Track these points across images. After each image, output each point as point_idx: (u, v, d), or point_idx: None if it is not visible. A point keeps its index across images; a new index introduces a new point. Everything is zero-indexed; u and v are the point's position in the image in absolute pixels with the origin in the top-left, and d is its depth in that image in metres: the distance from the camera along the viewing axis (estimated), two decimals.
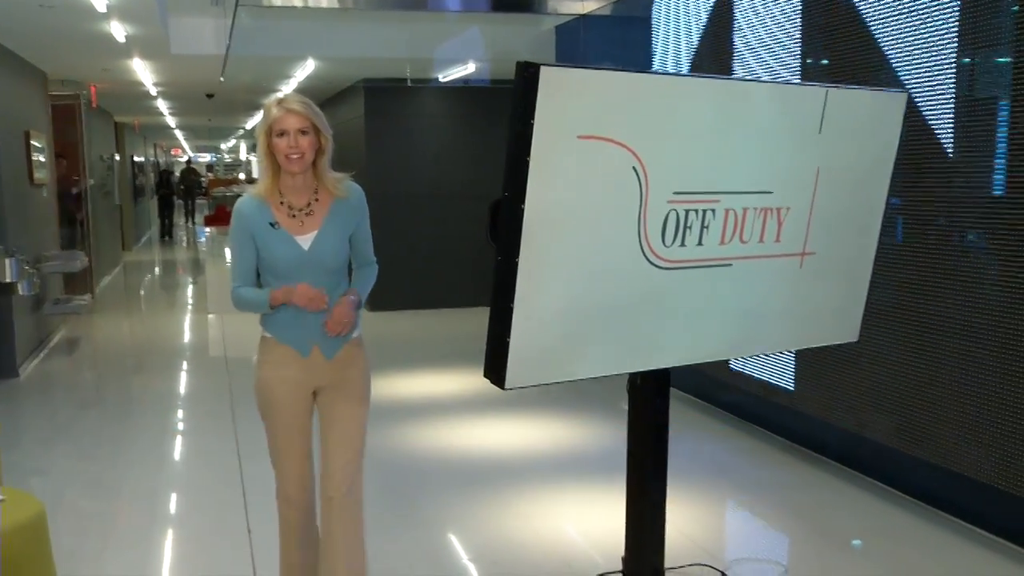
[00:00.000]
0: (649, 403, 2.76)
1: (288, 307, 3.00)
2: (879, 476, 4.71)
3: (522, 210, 2.20)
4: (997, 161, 3.93)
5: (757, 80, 2.69)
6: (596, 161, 2.29)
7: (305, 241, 3.00)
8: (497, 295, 2.29)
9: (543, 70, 2.15)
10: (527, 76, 2.16)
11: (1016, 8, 3.76)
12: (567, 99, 2.20)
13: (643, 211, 2.40)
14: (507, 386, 2.31)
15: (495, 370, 2.33)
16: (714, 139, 2.49)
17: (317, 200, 3.04)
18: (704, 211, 2.51)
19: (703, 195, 2.50)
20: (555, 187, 2.24)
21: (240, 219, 3.03)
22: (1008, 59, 3.81)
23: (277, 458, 3.13)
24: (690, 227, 2.50)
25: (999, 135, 3.94)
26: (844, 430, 4.86)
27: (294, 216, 3.01)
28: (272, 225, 2.99)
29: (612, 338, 2.47)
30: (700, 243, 2.53)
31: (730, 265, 2.61)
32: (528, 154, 2.18)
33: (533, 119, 2.16)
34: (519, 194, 2.19)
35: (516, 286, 2.24)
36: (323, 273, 3.01)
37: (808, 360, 5.03)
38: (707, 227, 2.53)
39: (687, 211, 2.48)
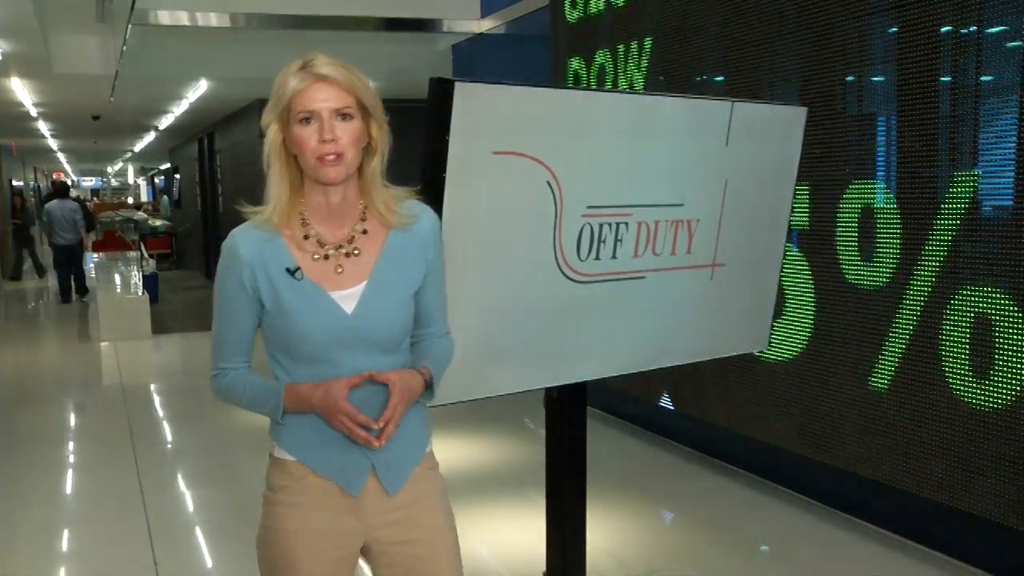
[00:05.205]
0: (566, 417, 2.76)
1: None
2: (784, 481, 4.83)
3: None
4: (882, 174, 4.10)
5: (666, 95, 2.74)
6: (512, 177, 2.29)
7: (348, 300, 1.89)
8: None
9: (458, 86, 2.14)
10: (441, 92, 2.14)
11: (895, 29, 3.93)
12: (482, 115, 2.19)
13: (558, 226, 2.41)
14: (429, 404, 2.28)
15: None
16: (626, 153, 2.52)
17: (365, 232, 1.93)
18: (618, 224, 2.53)
19: (616, 208, 2.52)
20: (472, 203, 2.23)
21: (233, 262, 1.87)
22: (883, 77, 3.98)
23: None
24: (604, 241, 2.52)
25: (886, 150, 4.10)
26: (748, 438, 4.96)
27: (327, 258, 1.89)
28: (291, 272, 1.87)
29: (532, 353, 2.47)
30: (614, 256, 2.55)
31: (643, 278, 2.64)
32: (444, 171, 2.16)
33: (448, 136, 2.15)
34: (436, 211, 2.17)
35: None
36: (376, 353, 1.91)
37: (710, 370, 5.13)
38: (621, 240, 2.55)
39: (601, 225, 2.50)
